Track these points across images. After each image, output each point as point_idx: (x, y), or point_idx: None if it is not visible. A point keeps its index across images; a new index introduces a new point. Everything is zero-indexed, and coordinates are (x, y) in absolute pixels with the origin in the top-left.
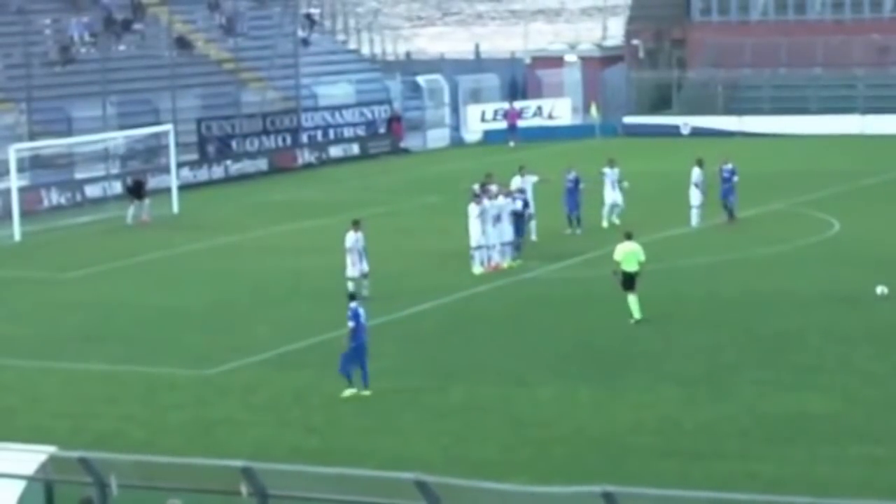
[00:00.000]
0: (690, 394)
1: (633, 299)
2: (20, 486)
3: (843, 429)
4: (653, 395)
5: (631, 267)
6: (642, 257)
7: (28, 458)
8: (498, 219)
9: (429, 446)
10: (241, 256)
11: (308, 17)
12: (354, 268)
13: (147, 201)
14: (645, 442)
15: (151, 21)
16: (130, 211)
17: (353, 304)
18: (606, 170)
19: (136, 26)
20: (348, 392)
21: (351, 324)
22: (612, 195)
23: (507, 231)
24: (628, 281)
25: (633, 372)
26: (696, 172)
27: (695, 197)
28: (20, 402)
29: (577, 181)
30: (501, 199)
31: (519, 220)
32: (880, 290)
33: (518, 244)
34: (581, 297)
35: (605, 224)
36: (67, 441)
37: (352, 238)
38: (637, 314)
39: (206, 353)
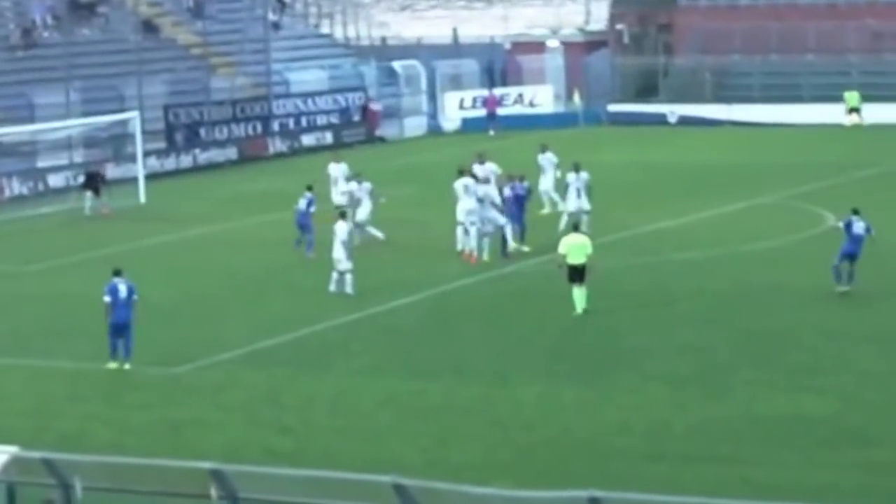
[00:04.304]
0: (680, 394)
1: (577, 292)
2: None
3: (841, 431)
4: (641, 395)
5: (577, 259)
6: (590, 250)
7: None
8: (480, 202)
9: (407, 448)
10: (210, 249)
11: None
12: (350, 261)
13: (103, 194)
14: (633, 444)
15: (116, 4)
16: (87, 202)
17: (114, 280)
18: (571, 175)
19: (101, 9)
20: (111, 364)
21: (106, 299)
22: (576, 202)
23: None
24: (574, 273)
25: (620, 371)
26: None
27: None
28: None
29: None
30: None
31: (520, 205)
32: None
33: (521, 229)
34: (565, 292)
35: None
36: (30, 441)
37: (344, 229)
38: (580, 307)
39: (174, 350)
